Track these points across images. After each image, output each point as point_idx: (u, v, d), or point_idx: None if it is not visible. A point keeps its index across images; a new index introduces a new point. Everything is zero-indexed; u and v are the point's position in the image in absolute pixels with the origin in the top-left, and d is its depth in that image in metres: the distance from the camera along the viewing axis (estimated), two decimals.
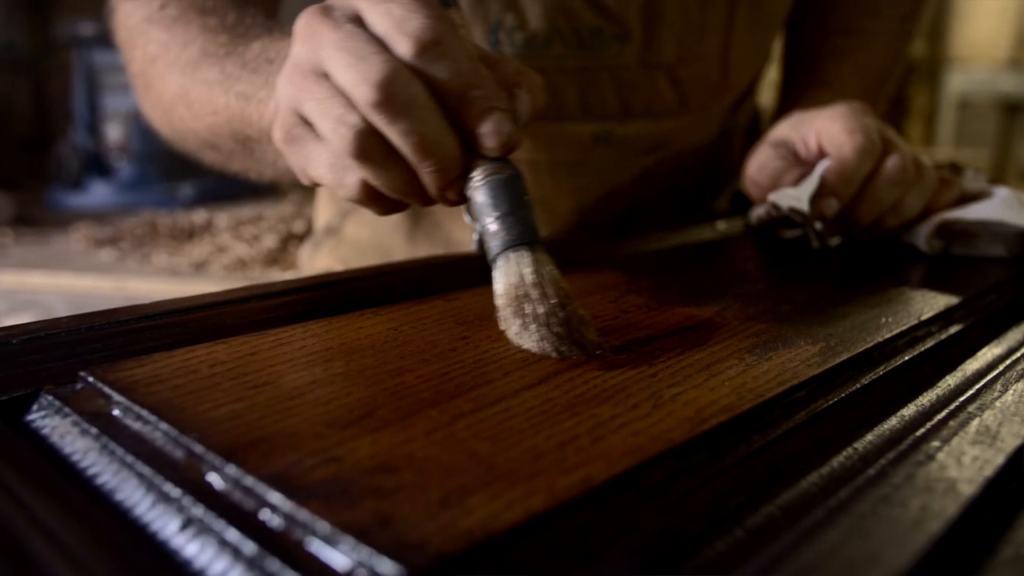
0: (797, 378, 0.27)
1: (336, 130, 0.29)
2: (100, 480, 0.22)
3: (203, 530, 0.19)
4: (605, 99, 0.57)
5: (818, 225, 0.47)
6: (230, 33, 0.48)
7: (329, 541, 0.17)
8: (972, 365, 0.31)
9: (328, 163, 0.32)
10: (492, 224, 0.30)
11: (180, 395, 0.24)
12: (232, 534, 0.18)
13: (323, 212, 0.73)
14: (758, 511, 0.21)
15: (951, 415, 0.26)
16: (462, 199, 0.31)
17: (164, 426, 0.22)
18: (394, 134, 0.29)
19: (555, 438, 0.22)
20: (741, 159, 0.71)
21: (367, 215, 0.67)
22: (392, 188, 0.31)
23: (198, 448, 0.21)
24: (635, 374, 0.27)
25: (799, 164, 0.50)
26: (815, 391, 0.27)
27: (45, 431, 0.25)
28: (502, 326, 0.30)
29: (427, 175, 0.30)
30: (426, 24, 0.28)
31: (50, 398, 0.26)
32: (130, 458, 0.22)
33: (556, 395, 0.25)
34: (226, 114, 0.45)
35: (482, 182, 0.30)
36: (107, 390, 0.25)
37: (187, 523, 0.19)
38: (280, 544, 0.18)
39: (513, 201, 0.30)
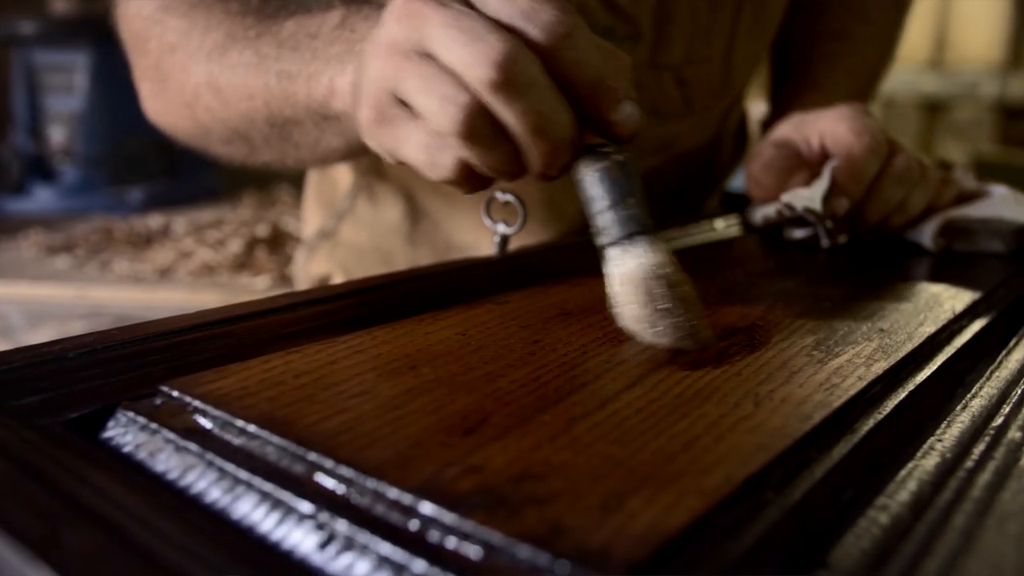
0: (871, 374, 0.27)
1: (443, 109, 0.29)
2: (209, 498, 0.21)
3: (350, 545, 0.18)
4: None
5: (828, 224, 0.48)
6: (256, 15, 0.45)
7: (506, 552, 0.17)
8: (1016, 354, 0.32)
9: (423, 143, 0.31)
10: (604, 214, 0.30)
11: (279, 407, 0.24)
12: (385, 547, 0.18)
13: (314, 216, 0.72)
14: (872, 504, 0.22)
15: (1020, 402, 0.27)
16: (560, 175, 0.31)
17: (277, 440, 0.22)
18: (511, 114, 0.28)
19: (677, 439, 0.22)
20: (731, 162, 0.72)
21: (363, 217, 0.66)
22: (493, 167, 0.31)
23: (327, 462, 0.20)
24: (720, 373, 0.27)
25: (802, 164, 0.52)
26: (886, 386, 0.28)
27: (128, 448, 0.24)
28: (620, 315, 0.29)
29: (539, 155, 0.30)
30: (557, 15, 0.28)
31: (130, 414, 0.25)
32: (244, 474, 0.21)
33: (656, 396, 0.25)
34: (264, 96, 0.43)
35: (594, 169, 0.30)
36: (198, 404, 0.24)
37: (329, 539, 0.19)
38: (449, 558, 0.17)
39: (627, 189, 0.30)
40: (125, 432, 0.25)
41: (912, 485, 0.22)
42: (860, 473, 0.23)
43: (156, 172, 2.32)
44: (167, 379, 0.28)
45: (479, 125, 0.29)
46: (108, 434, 0.25)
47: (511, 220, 0.48)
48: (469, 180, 0.32)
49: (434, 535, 0.18)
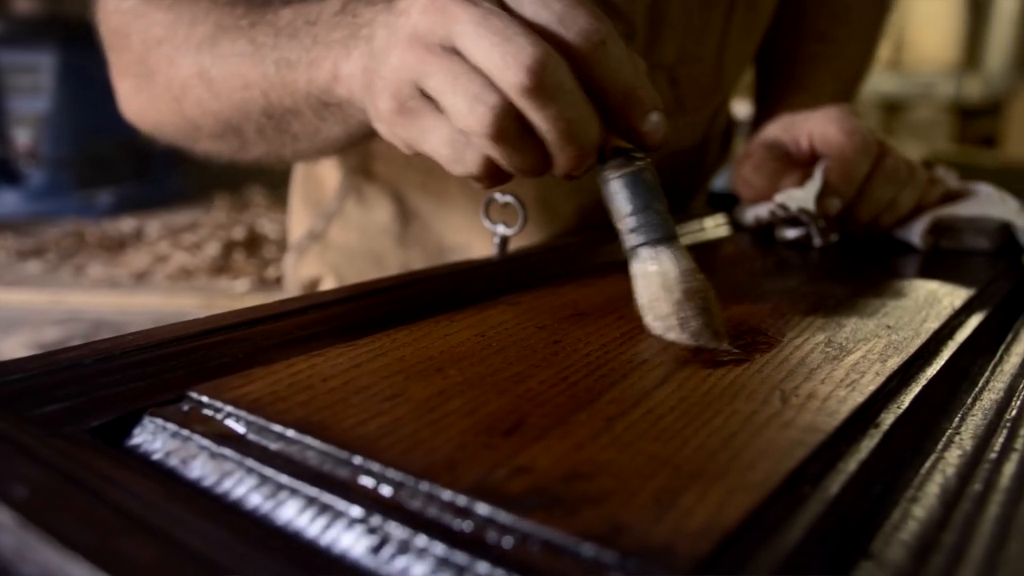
0: (887, 370, 0.28)
1: (473, 108, 0.29)
2: (250, 504, 0.21)
3: (405, 548, 0.18)
4: None
5: (821, 223, 0.49)
6: (246, 5, 0.44)
7: (570, 551, 0.17)
8: (1016, 348, 0.33)
9: (448, 138, 0.31)
10: (633, 217, 0.30)
11: (314, 412, 0.23)
12: (442, 549, 0.18)
13: (301, 219, 0.71)
14: (903, 496, 0.22)
15: None
16: (583, 175, 0.32)
17: (319, 444, 0.21)
18: (541, 119, 0.29)
19: (715, 436, 0.22)
20: (717, 162, 0.73)
21: (353, 219, 0.66)
22: (519, 166, 0.31)
23: (373, 466, 0.20)
24: (742, 371, 0.27)
25: (792, 165, 0.52)
26: (900, 381, 0.28)
27: (158, 455, 0.24)
28: (648, 314, 0.30)
29: (566, 159, 0.30)
30: (592, 23, 0.28)
31: (158, 421, 0.24)
32: (285, 479, 0.21)
33: (686, 394, 0.25)
34: (262, 85, 0.42)
35: (622, 174, 0.30)
36: (230, 409, 0.24)
37: (382, 542, 0.19)
38: (511, 558, 0.17)
39: (654, 194, 0.30)
40: (153, 439, 0.24)
41: (939, 477, 0.23)
42: (887, 467, 0.24)
43: (125, 174, 2.28)
44: (187, 384, 0.28)
45: (508, 127, 0.29)
46: (135, 441, 0.25)
47: (510, 221, 0.48)
48: (492, 177, 0.32)
49: (492, 536, 0.18)
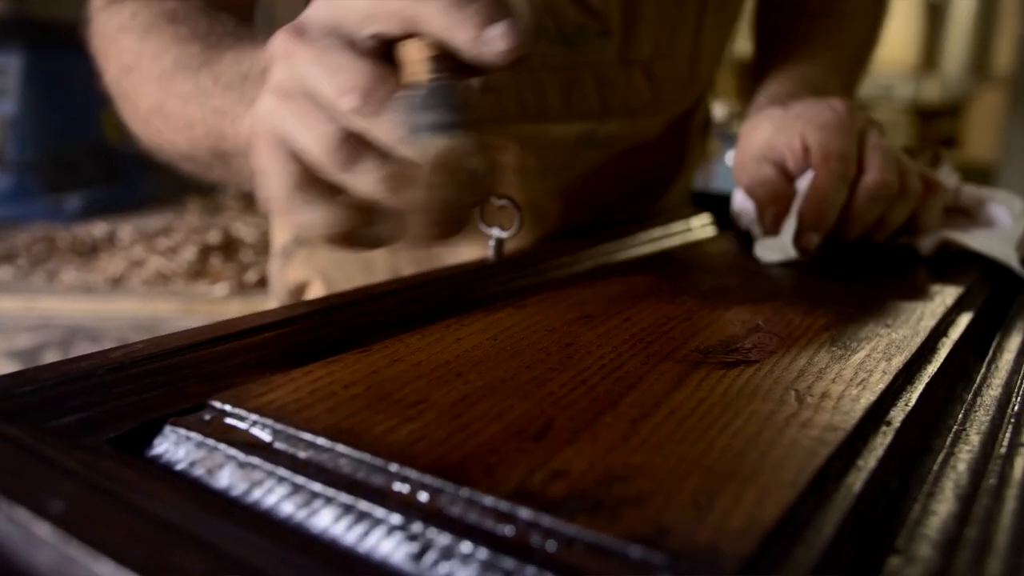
0: (892, 368, 0.29)
1: (317, 141, 0.28)
2: (283, 513, 0.21)
3: (449, 554, 0.18)
4: (587, 97, 0.58)
5: (804, 258, 0.47)
6: (203, 43, 0.45)
7: (618, 553, 0.17)
8: (1009, 344, 0.34)
9: (289, 188, 0.30)
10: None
11: (342, 419, 0.23)
12: (486, 554, 0.18)
13: (286, 224, 0.70)
14: (920, 492, 0.23)
15: None
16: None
17: (352, 452, 0.21)
18: (380, 133, 0.28)
19: (739, 436, 0.22)
20: (697, 155, 0.74)
21: None
22: (373, 190, 0.29)
23: (410, 472, 0.20)
24: (754, 372, 0.28)
25: (790, 173, 0.51)
26: (905, 379, 0.29)
27: (182, 465, 0.23)
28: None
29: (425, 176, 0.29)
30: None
31: (181, 430, 0.24)
32: (318, 487, 0.21)
33: (704, 396, 0.25)
34: (203, 128, 0.44)
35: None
36: (255, 418, 0.24)
37: (424, 549, 0.19)
38: (558, 562, 0.17)
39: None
40: (176, 448, 0.24)
41: (952, 473, 0.23)
42: (900, 464, 0.24)
43: (94, 178, 2.23)
44: (201, 393, 0.27)
45: (352, 152, 0.28)
46: (157, 451, 0.24)
47: (505, 224, 0.48)
48: (341, 223, 0.30)
49: (536, 540, 0.18)
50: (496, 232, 0.48)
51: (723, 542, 0.17)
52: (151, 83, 0.46)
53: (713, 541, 0.17)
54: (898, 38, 4.38)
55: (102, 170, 2.20)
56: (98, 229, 1.59)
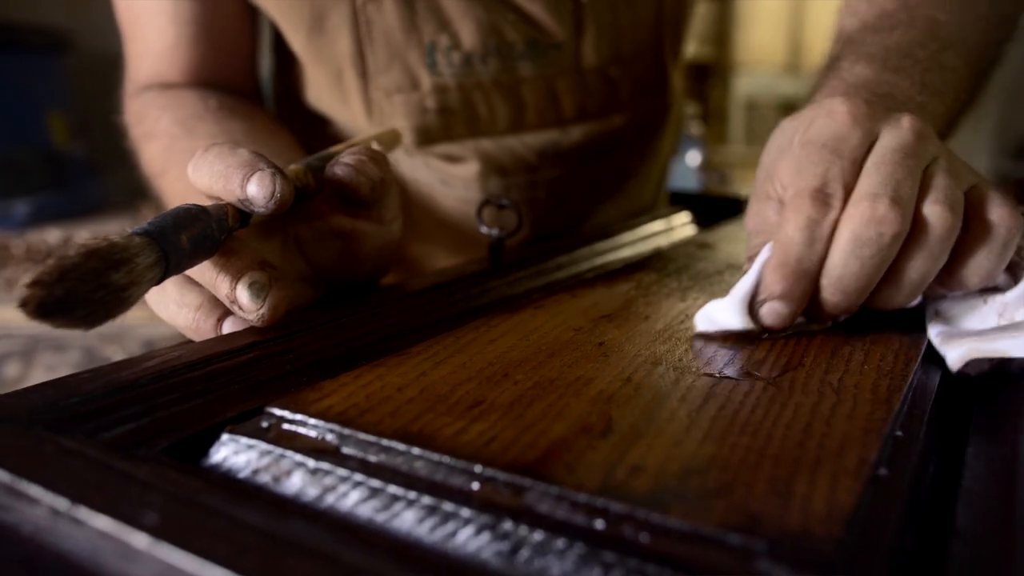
0: (913, 358, 0.30)
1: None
2: (362, 516, 0.21)
3: (544, 550, 0.19)
4: (543, 109, 0.59)
5: (757, 328, 0.32)
6: (185, 145, 0.52)
7: (717, 542, 0.18)
8: None
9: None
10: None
11: (408, 422, 0.23)
12: (580, 548, 0.18)
13: None
14: (960, 475, 0.24)
15: None
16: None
17: (428, 454, 0.21)
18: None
19: (794, 427, 0.23)
20: (668, 154, 0.75)
21: None
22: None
23: (494, 473, 0.20)
24: (785, 365, 0.29)
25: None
26: (925, 369, 0.30)
27: (244, 473, 0.23)
28: None
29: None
30: None
31: (241, 438, 0.24)
32: (398, 490, 0.21)
33: (747, 389, 0.26)
34: None
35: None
36: (318, 423, 0.24)
37: (517, 546, 0.19)
38: (657, 552, 0.18)
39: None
40: (235, 456, 0.24)
41: (983, 456, 0.25)
42: (935, 447, 0.26)
43: (42, 183, 2.15)
44: (243, 400, 0.27)
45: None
46: (215, 460, 0.24)
47: (506, 225, 0.48)
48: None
49: (629, 532, 0.18)
50: (496, 232, 0.48)
51: (814, 527, 0.18)
52: (151, 174, 0.56)
53: (804, 526, 0.18)
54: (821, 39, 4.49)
55: (50, 175, 2.12)
56: (52, 236, 1.53)
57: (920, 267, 0.31)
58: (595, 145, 0.62)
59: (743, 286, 0.32)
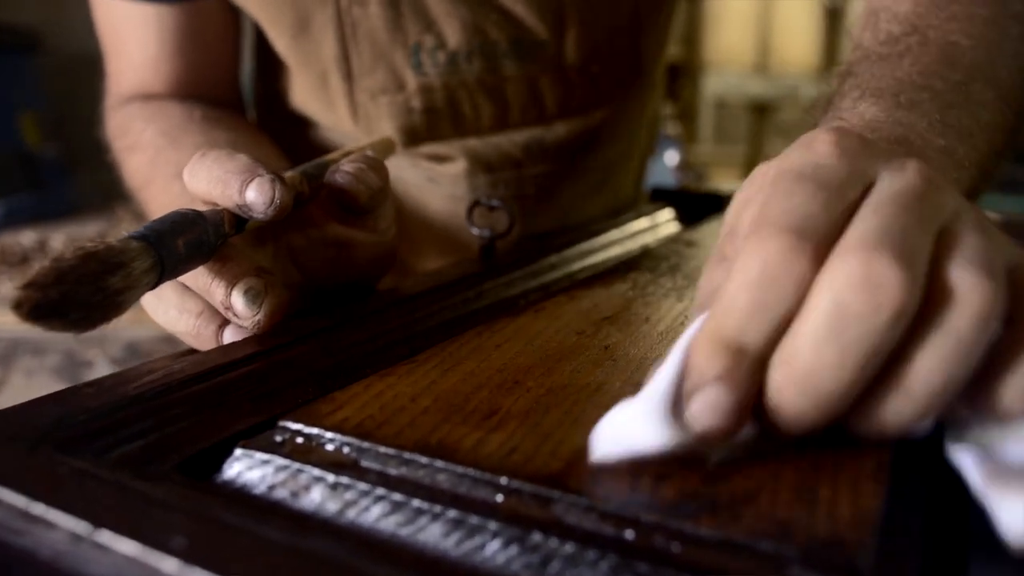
0: None
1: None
2: (385, 531, 0.20)
3: (575, 562, 0.18)
4: (529, 107, 0.59)
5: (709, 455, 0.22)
6: (174, 158, 0.51)
7: (749, 550, 0.17)
8: None
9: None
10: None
11: (426, 434, 0.23)
12: (612, 559, 0.18)
13: None
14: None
15: None
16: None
17: (449, 467, 0.21)
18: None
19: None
20: (646, 150, 0.75)
21: None
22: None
23: (520, 484, 0.20)
24: None
25: None
26: None
27: (260, 489, 0.23)
28: None
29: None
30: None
31: (256, 453, 0.23)
32: (421, 503, 0.20)
33: None
34: None
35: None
36: (334, 436, 0.23)
37: (548, 558, 0.19)
38: (690, 561, 0.18)
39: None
40: (249, 472, 0.23)
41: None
42: (936, 443, 0.26)
43: (14, 185, 2.10)
44: (251, 413, 0.27)
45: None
46: (228, 475, 0.23)
47: (496, 226, 0.48)
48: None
49: (659, 542, 0.18)
50: (488, 233, 0.48)
51: (843, 532, 0.18)
52: (134, 187, 0.54)
53: (833, 532, 0.18)
54: (800, 42, 4.56)
55: (23, 177, 2.07)
56: (26, 238, 1.50)
57: (939, 366, 0.20)
58: (579, 140, 0.62)
59: (660, 382, 0.21)
